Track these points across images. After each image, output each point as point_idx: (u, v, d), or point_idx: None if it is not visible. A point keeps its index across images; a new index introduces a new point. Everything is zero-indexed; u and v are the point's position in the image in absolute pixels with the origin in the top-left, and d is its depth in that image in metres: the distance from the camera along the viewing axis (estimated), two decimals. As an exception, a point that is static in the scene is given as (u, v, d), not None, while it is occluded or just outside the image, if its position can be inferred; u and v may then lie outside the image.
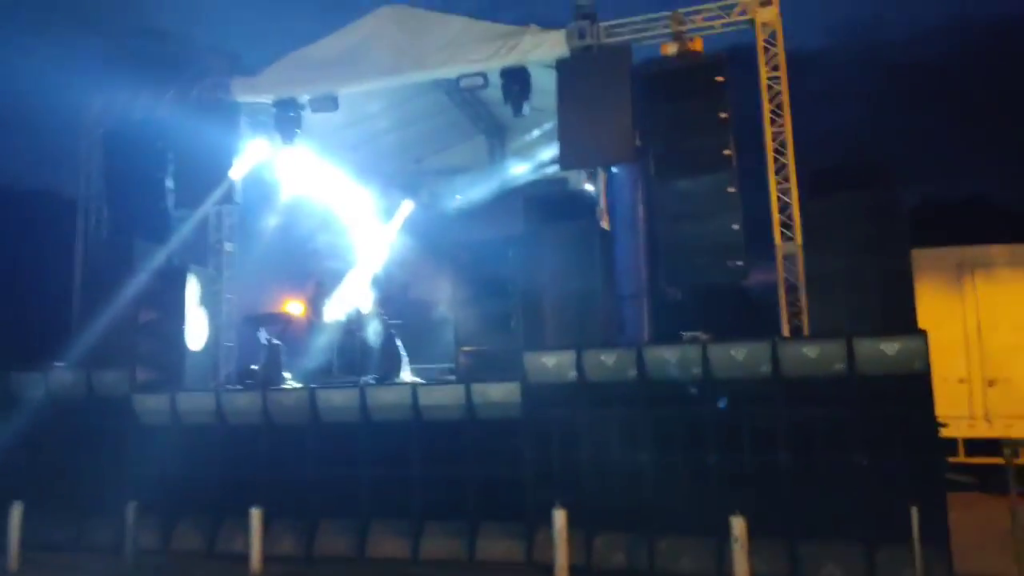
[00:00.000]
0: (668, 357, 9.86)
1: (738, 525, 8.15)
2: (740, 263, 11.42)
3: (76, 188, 15.46)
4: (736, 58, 12.15)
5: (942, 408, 12.80)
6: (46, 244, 19.72)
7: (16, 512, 10.68)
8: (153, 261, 13.02)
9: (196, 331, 13.10)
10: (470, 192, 17.87)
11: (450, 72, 13.39)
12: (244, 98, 14.21)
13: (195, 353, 13.03)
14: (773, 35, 12.05)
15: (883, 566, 8.54)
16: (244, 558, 10.20)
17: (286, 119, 13.98)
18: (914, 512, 7.99)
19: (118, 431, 12.12)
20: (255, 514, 10.02)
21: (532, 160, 16.83)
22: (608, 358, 10.11)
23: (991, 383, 13.69)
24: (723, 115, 11.41)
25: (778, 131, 11.95)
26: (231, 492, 11.27)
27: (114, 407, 12.19)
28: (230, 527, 11.26)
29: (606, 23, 12.72)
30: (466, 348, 11.82)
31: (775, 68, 12.10)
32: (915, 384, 8.75)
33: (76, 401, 12.34)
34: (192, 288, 13.00)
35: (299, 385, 12.83)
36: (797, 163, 11.81)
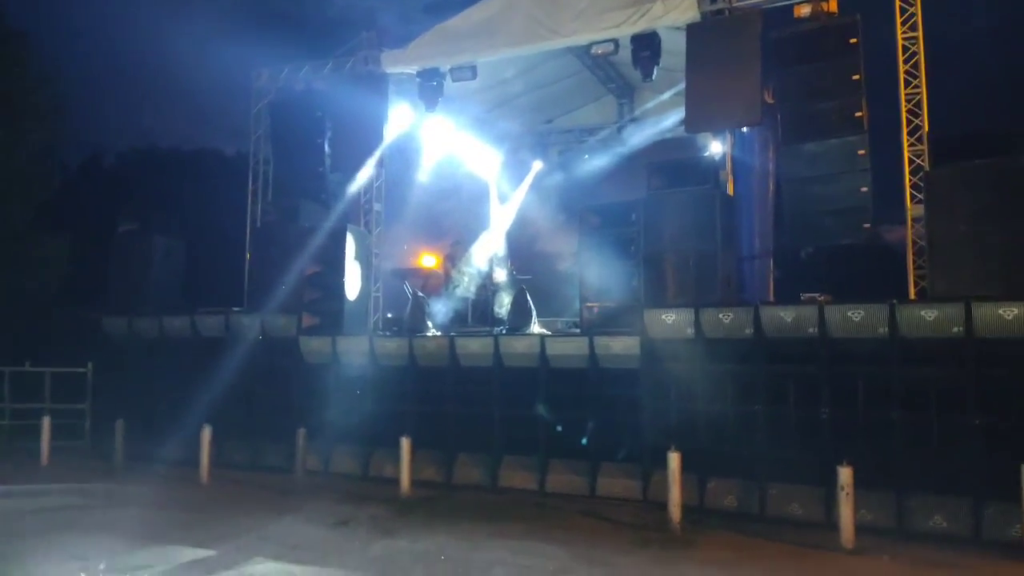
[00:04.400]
0: (784, 316, 10.00)
1: (844, 474, 8.37)
2: (868, 225, 11.40)
3: (244, 149, 17.07)
4: (867, 12, 11.78)
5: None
6: (218, 199, 21.49)
7: (206, 435, 12.12)
8: (318, 220, 14.22)
9: (352, 283, 14.21)
10: (598, 152, 18.30)
11: (582, 40, 13.69)
12: (392, 69, 15.01)
13: (351, 302, 14.11)
14: (911, -7, 11.68)
15: (990, 522, 8.60)
16: (393, 481, 11.23)
17: (429, 88, 14.65)
18: None
19: (287, 368, 13.48)
20: (405, 442, 10.95)
21: (661, 120, 17.06)
22: (725, 316, 10.34)
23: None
24: (855, 77, 11.19)
25: (912, 93, 11.70)
26: (381, 424, 12.36)
27: (284, 347, 13.55)
28: (380, 454, 12.39)
29: (738, -14, 12.46)
30: (590, 303, 12.25)
31: (912, 28, 11.79)
32: (1032, 348, 8.58)
33: (252, 341, 13.72)
34: (349, 244, 14.10)
35: (439, 333, 13.94)
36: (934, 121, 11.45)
